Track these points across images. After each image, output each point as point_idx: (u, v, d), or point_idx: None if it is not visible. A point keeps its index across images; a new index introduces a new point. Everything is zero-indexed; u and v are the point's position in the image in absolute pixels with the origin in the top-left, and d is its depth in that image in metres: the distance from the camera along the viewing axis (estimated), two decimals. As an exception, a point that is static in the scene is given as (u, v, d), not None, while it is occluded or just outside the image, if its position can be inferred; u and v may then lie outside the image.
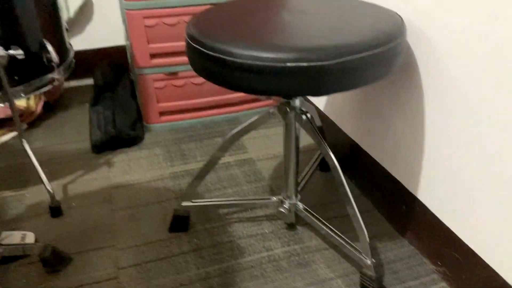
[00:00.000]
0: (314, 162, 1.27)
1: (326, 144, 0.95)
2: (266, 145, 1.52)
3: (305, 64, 0.70)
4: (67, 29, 1.18)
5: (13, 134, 1.59)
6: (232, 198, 1.25)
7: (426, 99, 0.95)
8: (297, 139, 1.01)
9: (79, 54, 1.97)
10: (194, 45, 0.79)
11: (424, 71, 0.94)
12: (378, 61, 0.75)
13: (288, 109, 0.95)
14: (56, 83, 1.13)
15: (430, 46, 0.91)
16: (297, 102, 0.95)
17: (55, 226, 1.16)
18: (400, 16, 0.87)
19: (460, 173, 0.89)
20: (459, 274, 0.93)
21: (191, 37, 0.81)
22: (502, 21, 0.73)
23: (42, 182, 1.20)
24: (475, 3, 0.78)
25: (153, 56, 1.49)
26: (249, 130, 1.03)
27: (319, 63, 0.70)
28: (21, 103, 1.61)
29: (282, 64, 0.70)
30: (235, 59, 0.73)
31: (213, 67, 0.77)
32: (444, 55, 0.87)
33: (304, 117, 0.96)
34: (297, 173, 1.06)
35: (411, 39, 0.96)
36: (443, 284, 0.97)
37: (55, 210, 1.19)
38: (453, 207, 0.93)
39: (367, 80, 0.75)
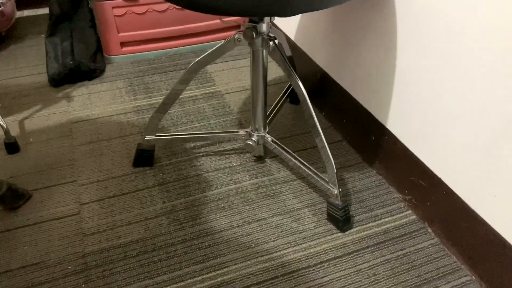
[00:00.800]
0: (284, 94, 1.22)
1: (295, 73, 0.91)
2: (235, 77, 1.46)
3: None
4: None
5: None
6: (197, 132, 1.21)
7: (398, 26, 0.91)
8: (264, 68, 0.96)
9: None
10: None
11: (398, -8, 0.89)
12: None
13: (254, 34, 0.89)
14: (2, 8, 1.03)
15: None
16: (264, 26, 0.89)
17: (12, 162, 1.11)
18: None
19: (430, 102, 0.87)
20: (425, 202, 0.94)
21: None
22: None
23: (-6, 117, 1.12)
24: None
25: (110, -21, 1.37)
26: (213, 59, 0.97)
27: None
28: (-33, 33, 1.48)
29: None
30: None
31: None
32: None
33: (271, 43, 0.90)
34: (265, 104, 1.02)
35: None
36: (409, 212, 0.98)
37: (11, 146, 1.13)
38: (421, 136, 0.92)
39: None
